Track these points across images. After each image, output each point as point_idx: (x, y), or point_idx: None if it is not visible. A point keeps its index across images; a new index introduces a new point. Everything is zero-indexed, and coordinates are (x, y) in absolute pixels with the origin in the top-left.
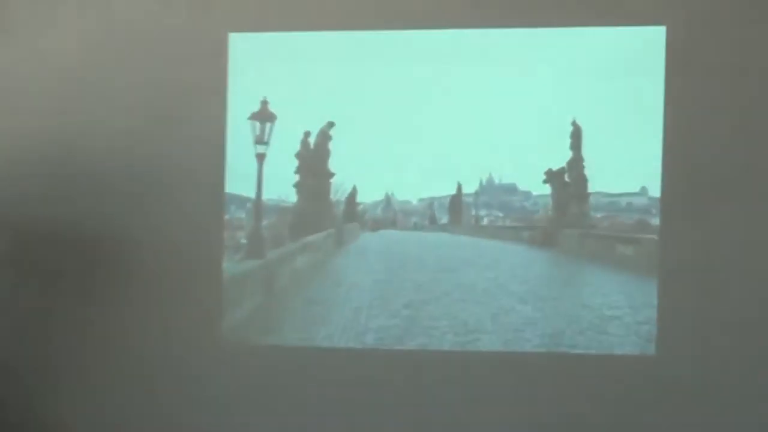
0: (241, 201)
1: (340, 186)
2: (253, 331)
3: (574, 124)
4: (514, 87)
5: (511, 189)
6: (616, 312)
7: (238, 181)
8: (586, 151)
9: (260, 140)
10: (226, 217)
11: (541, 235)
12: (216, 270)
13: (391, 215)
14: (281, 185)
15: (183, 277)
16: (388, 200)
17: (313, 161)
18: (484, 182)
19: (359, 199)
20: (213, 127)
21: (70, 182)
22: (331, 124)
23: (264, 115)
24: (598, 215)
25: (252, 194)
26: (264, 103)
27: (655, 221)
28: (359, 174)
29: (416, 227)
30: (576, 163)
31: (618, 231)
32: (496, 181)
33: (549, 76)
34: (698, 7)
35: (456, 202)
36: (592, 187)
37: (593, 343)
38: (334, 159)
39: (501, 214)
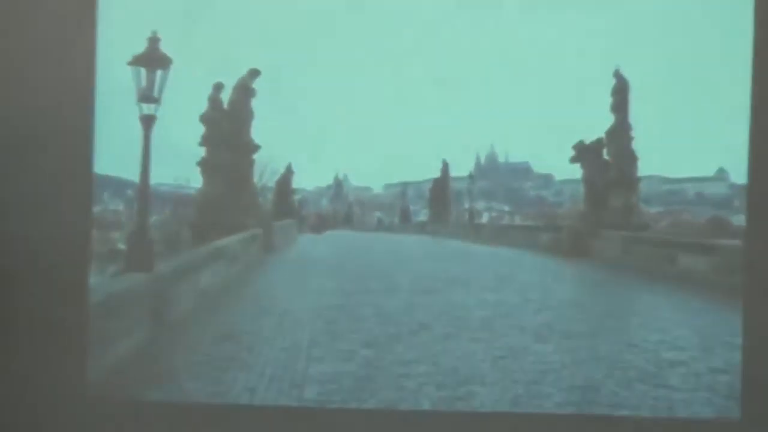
0: (117, 186)
1: (267, 164)
2: (135, 381)
3: (617, 75)
4: (524, 25)
5: (524, 171)
6: (679, 354)
7: (114, 156)
8: (635, 116)
9: (147, 96)
10: (95, 209)
11: (567, 239)
12: (78, 289)
13: (344, 208)
14: (179, 163)
15: (28, 300)
16: (339, 186)
17: (228, 128)
18: (482, 160)
19: (297, 184)
20: (73, 73)
21: None
22: (254, 73)
23: (153, 59)
24: (653, 210)
25: (134, 177)
26: (153, 40)
27: (739, 219)
28: (297, 147)
29: (381, 226)
30: (620, 132)
31: (682, 233)
32: (501, 158)
33: (578, 4)
34: None
35: (440, 189)
36: (644, 169)
37: (645, 401)
38: (259, 125)
39: (508, 208)
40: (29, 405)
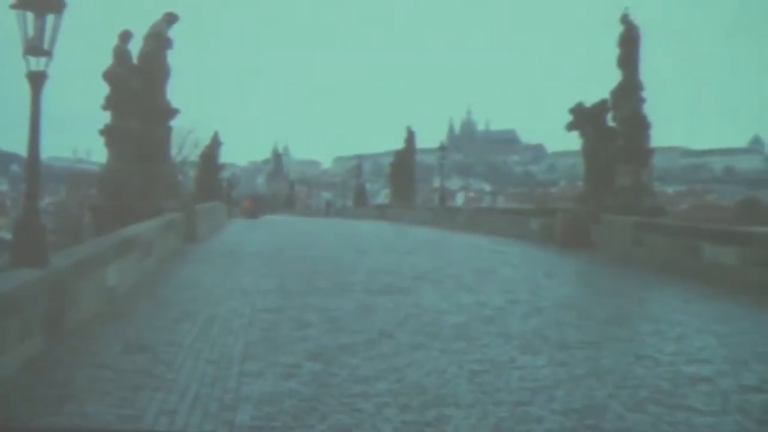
0: (0, 161)
1: (188, 134)
2: (24, 403)
3: (625, 21)
4: None
5: (508, 140)
6: (701, 369)
7: None
8: (647, 72)
9: (35, 48)
10: None
11: (563, 226)
12: None
13: (284, 188)
14: (77, 132)
15: None
16: (278, 160)
17: (139, 87)
18: (456, 128)
19: (225, 157)
20: None
21: None
22: (171, 18)
23: (42, 1)
24: (670, 190)
25: (21, 149)
26: None
27: None
28: (225, 111)
29: (331, 210)
30: (628, 93)
31: (707, 219)
32: (480, 126)
33: None
34: None
35: (404, 164)
36: (658, 139)
37: (660, 427)
38: (177, 81)
39: (489, 187)
40: None
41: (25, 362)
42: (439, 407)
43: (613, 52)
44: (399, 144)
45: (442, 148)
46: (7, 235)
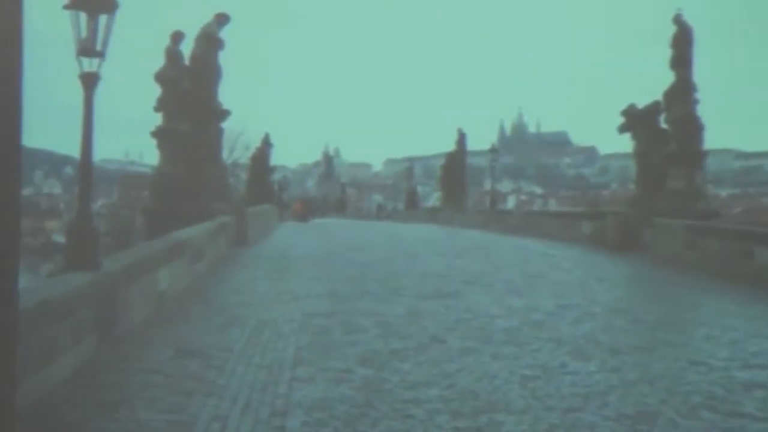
0: (52, 163)
1: (239, 136)
2: (76, 408)
3: (677, 21)
4: None
5: (560, 142)
6: (756, 374)
7: (47, 125)
8: (699, 73)
9: (88, 49)
10: (25, 192)
11: (614, 230)
12: (4, 294)
13: (334, 190)
14: (129, 134)
15: None
16: (329, 163)
17: (192, 87)
18: (507, 130)
19: (276, 160)
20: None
21: None
22: (222, 20)
23: (95, 2)
24: (723, 193)
25: (74, 151)
26: None
27: None
28: (276, 113)
29: (381, 213)
30: (681, 93)
31: (760, 222)
32: (531, 127)
33: None
34: None
35: (454, 166)
36: (711, 141)
37: None
38: (228, 82)
39: (540, 190)
40: None
41: (77, 367)
42: (490, 413)
43: (666, 53)
44: (450, 146)
45: (493, 150)
46: (61, 239)
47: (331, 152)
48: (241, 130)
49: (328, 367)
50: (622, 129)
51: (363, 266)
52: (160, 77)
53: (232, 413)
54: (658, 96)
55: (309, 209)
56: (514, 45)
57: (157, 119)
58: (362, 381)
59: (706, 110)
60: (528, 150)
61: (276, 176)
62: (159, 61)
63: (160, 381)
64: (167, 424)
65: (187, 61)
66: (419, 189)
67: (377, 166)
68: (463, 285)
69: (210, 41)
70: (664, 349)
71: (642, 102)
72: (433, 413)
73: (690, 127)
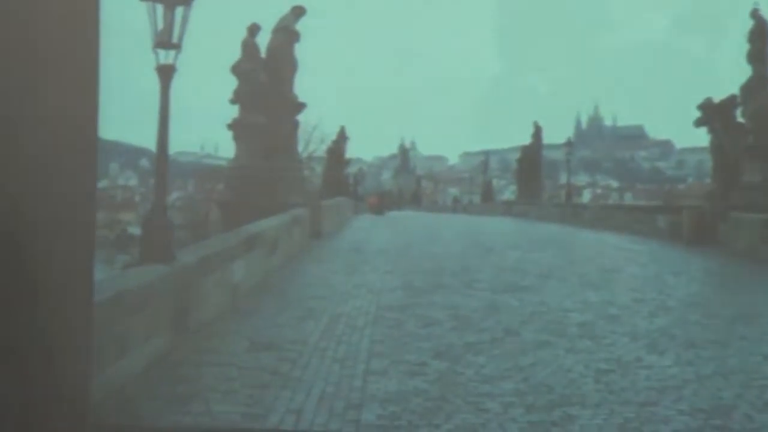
0: (128, 155)
1: (314, 128)
2: (151, 400)
3: (755, 16)
4: None
5: (636, 135)
6: None
7: (124, 117)
8: None
9: (165, 41)
10: (101, 184)
11: (690, 224)
12: (80, 286)
13: (410, 183)
14: (205, 126)
15: (17, 298)
16: (405, 156)
17: (269, 79)
18: (583, 123)
19: (352, 153)
20: (72, 12)
21: None
22: (299, 12)
23: None
24: None
25: (150, 144)
26: None
27: None
28: (352, 106)
29: (457, 206)
30: (758, 87)
31: None
32: (607, 120)
33: None
34: None
35: (529, 159)
36: None
37: None
38: (305, 76)
39: (616, 184)
40: (18, 427)
41: (152, 360)
42: (564, 407)
43: (744, 46)
44: (526, 139)
45: (568, 143)
46: (136, 231)
47: (407, 145)
48: (317, 123)
49: (402, 360)
50: (699, 123)
51: (437, 259)
52: (237, 70)
53: (307, 406)
54: (735, 90)
55: (384, 202)
56: (591, 38)
57: (234, 112)
58: (437, 374)
59: None
60: (604, 143)
61: (351, 169)
62: (236, 54)
63: (235, 374)
64: (242, 416)
65: (263, 54)
66: (495, 182)
67: (453, 159)
68: (537, 279)
69: (287, 34)
70: (739, 343)
71: (718, 95)
72: (508, 406)
73: (767, 121)
